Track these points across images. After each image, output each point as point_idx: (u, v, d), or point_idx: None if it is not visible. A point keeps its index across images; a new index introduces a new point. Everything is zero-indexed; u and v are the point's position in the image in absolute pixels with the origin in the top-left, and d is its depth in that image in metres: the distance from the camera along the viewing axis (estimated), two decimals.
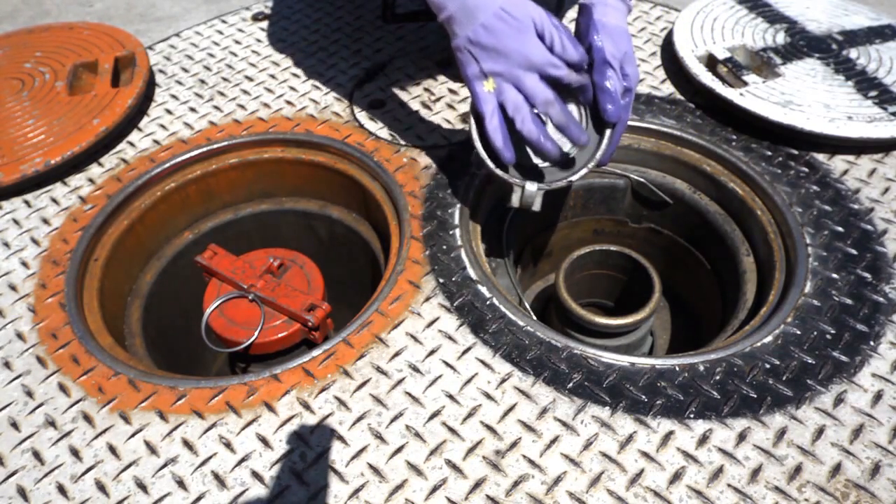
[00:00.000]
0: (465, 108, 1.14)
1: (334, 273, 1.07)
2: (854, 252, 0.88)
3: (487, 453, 0.70)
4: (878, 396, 0.73)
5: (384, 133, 1.09)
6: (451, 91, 1.18)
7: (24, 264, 0.92)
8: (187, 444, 0.72)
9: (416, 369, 0.77)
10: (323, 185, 1.12)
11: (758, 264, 0.97)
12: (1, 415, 0.76)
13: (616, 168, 1.10)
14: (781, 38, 1.20)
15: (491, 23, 0.73)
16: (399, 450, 0.70)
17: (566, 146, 0.83)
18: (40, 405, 0.77)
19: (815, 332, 0.80)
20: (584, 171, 0.83)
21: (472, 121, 0.83)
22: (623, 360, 0.77)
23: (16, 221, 0.98)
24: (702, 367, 0.76)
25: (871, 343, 0.78)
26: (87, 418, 0.75)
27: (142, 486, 0.69)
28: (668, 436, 0.70)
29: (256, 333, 0.86)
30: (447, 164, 1.03)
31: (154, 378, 0.78)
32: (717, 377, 0.75)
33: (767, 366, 0.76)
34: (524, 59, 0.73)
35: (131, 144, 1.10)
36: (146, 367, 0.82)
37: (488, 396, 0.75)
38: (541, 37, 0.74)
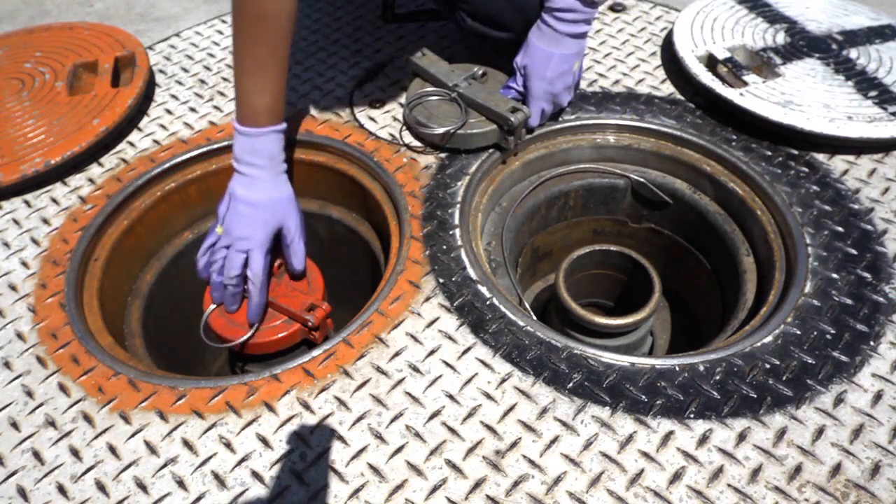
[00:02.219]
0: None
1: (334, 273, 1.07)
2: (854, 252, 0.88)
3: (487, 453, 0.70)
4: (878, 396, 0.73)
5: (384, 133, 1.09)
6: None
7: (24, 264, 0.92)
8: (187, 444, 0.72)
9: (416, 369, 0.77)
10: (323, 185, 1.12)
11: (758, 264, 0.97)
12: (1, 415, 0.76)
13: (616, 168, 1.10)
14: (781, 38, 1.20)
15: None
16: (399, 450, 0.70)
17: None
18: (40, 405, 0.77)
19: (815, 332, 0.80)
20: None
21: None
22: (623, 360, 0.77)
23: (16, 221, 0.98)
24: (702, 367, 0.76)
25: (871, 343, 0.78)
26: (87, 418, 0.75)
27: (142, 486, 0.69)
28: (668, 436, 0.70)
29: (252, 331, 0.85)
30: (447, 165, 1.03)
31: (154, 378, 0.78)
32: (717, 377, 0.75)
33: (767, 366, 0.76)
34: None
35: (131, 144, 1.10)
36: (146, 367, 0.83)
37: (488, 396, 0.75)
38: None
